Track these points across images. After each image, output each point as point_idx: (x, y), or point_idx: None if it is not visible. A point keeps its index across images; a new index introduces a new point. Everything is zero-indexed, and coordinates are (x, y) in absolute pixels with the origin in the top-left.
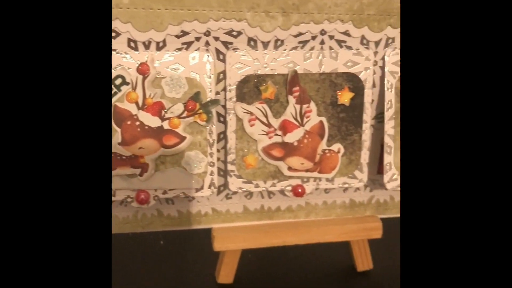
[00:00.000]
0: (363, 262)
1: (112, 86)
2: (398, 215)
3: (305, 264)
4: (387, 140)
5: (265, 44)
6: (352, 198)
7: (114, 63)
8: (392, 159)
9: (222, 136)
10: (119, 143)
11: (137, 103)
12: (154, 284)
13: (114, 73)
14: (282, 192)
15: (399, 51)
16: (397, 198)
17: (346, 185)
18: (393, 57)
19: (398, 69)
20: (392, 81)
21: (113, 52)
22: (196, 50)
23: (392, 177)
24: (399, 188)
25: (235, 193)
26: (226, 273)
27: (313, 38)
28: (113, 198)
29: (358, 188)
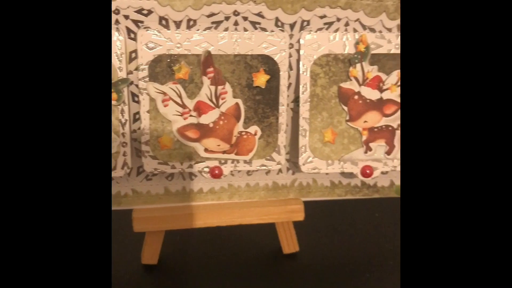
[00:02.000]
0: (289, 244)
1: None
2: (321, 198)
3: (232, 247)
4: (302, 123)
5: (177, 24)
6: (275, 181)
7: None
8: (307, 142)
9: (138, 117)
10: None
11: None
12: None
13: None
14: (199, 173)
15: (315, 34)
16: (320, 181)
17: (264, 167)
18: (308, 40)
19: (313, 52)
20: (307, 64)
21: None
22: None
23: (307, 159)
24: (314, 171)
25: (155, 174)
26: (149, 254)
27: (227, 18)
28: None
29: (280, 171)
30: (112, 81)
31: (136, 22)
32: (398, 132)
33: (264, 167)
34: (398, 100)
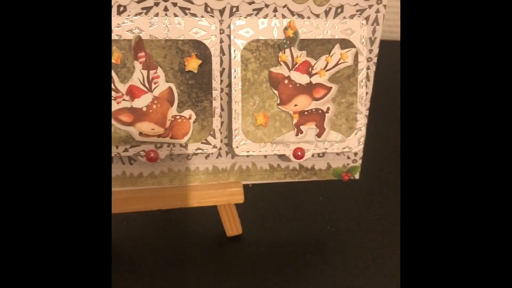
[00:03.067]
0: (232, 227)
1: None
2: (261, 181)
3: (177, 231)
4: (235, 107)
5: None
6: (215, 165)
7: None
8: (240, 125)
9: None
10: None
11: None
12: None
13: None
14: (135, 157)
15: (244, 20)
16: (259, 164)
17: (200, 151)
18: (238, 26)
19: (243, 38)
20: (238, 49)
21: None
22: None
23: (241, 142)
24: (247, 153)
25: None
26: None
27: (156, 4)
28: None
29: (220, 155)
30: None
31: None
32: (327, 115)
33: (200, 151)
34: (327, 84)
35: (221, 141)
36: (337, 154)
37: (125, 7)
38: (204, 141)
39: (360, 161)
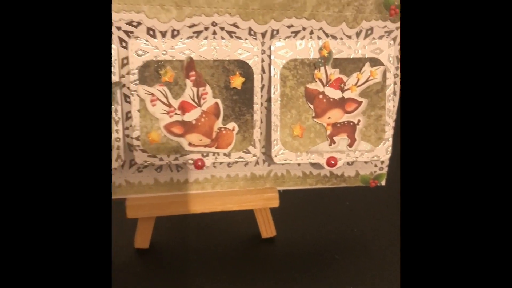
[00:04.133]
0: (267, 229)
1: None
2: (294, 187)
3: (216, 232)
4: (274, 120)
5: (163, 34)
6: (253, 172)
7: None
8: (278, 136)
9: (128, 116)
10: None
11: None
12: None
13: None
14: (184, 165)
15: (283, 41)
16: (293, 172)
17: (242, 159)
18: (278, 47)
19: (283, 58)
20: (278, 68)
21: None
22: None
23: (279, 152)
24: (285, 161)
25: (145, 166)
26: (141, 239)
27: (206, 29)
28: None
29: (257, 163)
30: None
31: (127, 32)
32: (358, 127)
33: (241, 159)
34: (358, 99)
35: (261, 150)
36: (365, 162)
37: (178, 31)
38: (245, 150)
39: (386, 169)
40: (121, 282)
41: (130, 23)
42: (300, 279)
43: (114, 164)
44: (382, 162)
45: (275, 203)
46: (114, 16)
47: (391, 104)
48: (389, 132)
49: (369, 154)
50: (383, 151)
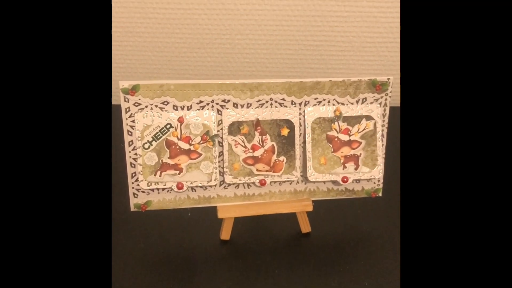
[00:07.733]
0: (305, 226)
1: (164, 129)
2: (322, 198)
3: (270, 228)
4: (308, 154)
5: (241, 106)
6: (295, 188)
7: (165, 118)
8: (311, 164)
9: (221, 153)
10: (168, 157)
11: (177, 137)
12: (182, 237)
13: (165, 122)
14: (254, 183)
15: (312, 107)
16: (321, 188)
17: (288, 179)
18: (309, 111)
19: (312, 117)
20: (309, 123)
21: (164, 111)
22: (207, 110)
23: (312, 174)
24: (316, 180)
25: (230, 184)
26: (225, 233)
27: (266, 102)
28: (163, 186)
29: (297, 182)
30: (210, 135)
31: (221, 105)
32: (360, 158)
33: (288, 179)
34: (359, 140)
35: (300, 173)
36: (367, 180)
37: (250, 104)
38: (290, 174)
39: (381, 185)
40: (209, 264)
41: (223, 100)
42: (330, 261)
43: (213, 183)
44: (378, 179)
45: (310, 208)
46: (215, 98)
47: (380, 143)
48: (380, 160)
49: (368, 175)
50: (377, 172)
